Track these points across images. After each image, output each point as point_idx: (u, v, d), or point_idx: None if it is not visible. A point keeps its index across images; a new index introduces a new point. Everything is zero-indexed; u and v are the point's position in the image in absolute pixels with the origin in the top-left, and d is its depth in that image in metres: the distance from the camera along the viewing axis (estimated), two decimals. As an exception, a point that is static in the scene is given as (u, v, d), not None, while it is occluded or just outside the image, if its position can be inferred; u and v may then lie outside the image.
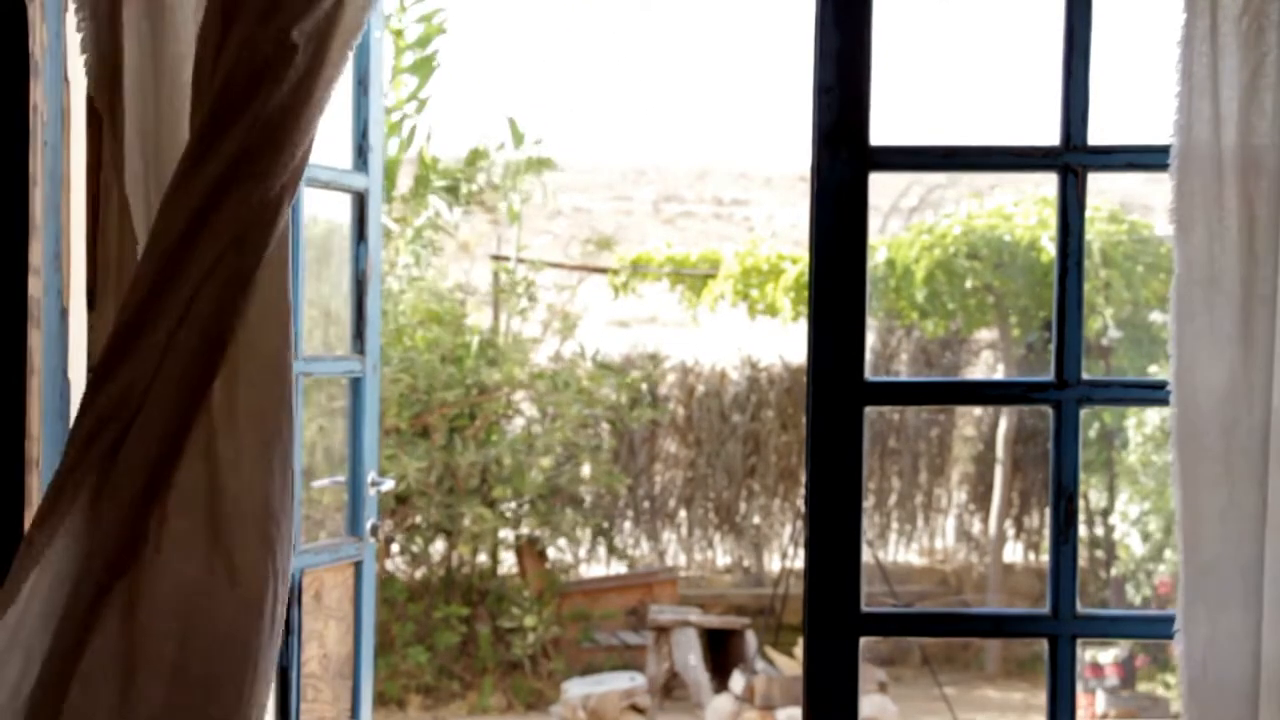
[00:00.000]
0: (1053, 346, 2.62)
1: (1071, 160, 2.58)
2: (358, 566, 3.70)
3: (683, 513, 11.97)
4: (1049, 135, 2.60)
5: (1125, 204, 10.54)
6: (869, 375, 2.60)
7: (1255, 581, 2.37)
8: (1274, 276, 2.38)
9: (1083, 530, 10.59)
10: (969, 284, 10.30)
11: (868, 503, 11.64)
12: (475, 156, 10.32)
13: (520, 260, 10.93)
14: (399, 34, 9.84)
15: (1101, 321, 10.14)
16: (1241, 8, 2.38)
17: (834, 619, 2.58)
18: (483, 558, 10.13)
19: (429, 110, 10.24)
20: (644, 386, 11.26)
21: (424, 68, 9.94)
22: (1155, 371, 9.42)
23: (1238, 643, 2.38)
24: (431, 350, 9.60)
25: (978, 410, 11.94)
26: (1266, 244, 2.39)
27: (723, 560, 12.06)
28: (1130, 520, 10.10)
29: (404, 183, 10.41)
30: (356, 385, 3.66)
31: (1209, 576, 2.39)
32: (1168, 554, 9.45)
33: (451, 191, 10.18)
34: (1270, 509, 2.36)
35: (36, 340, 2.42)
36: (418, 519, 9.70)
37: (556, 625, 9.87)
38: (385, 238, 9.84)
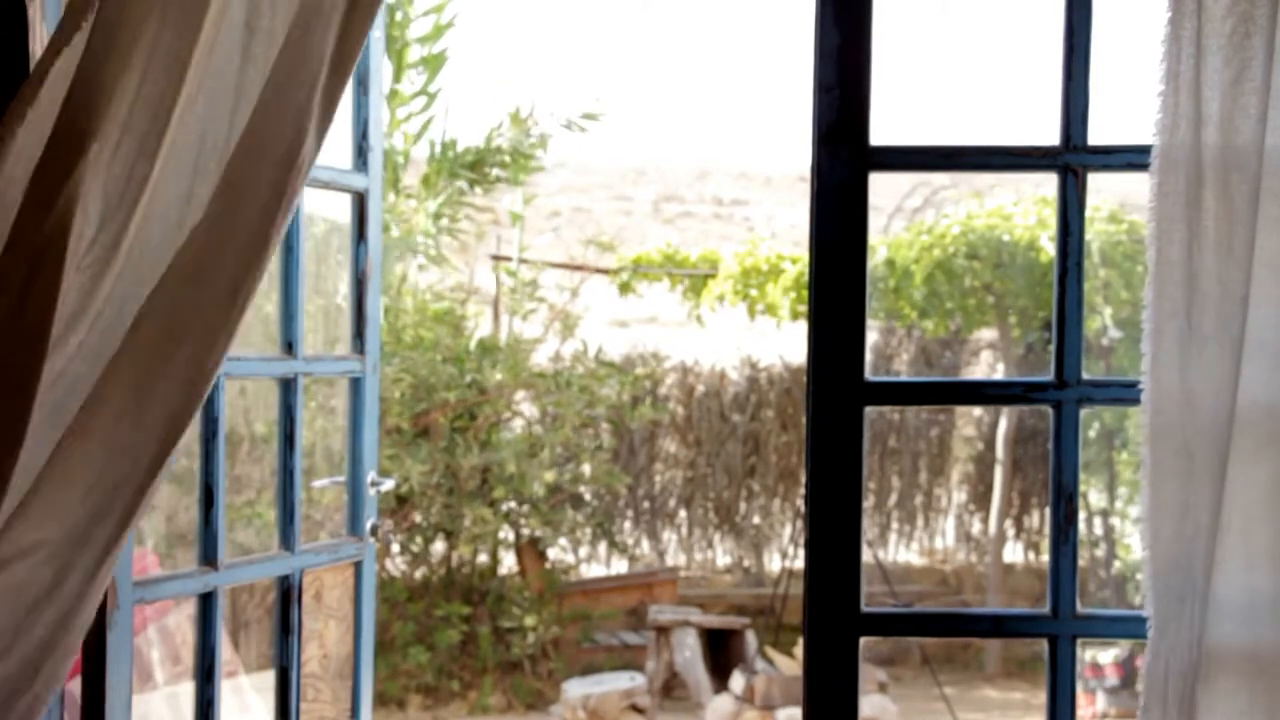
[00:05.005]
0: (1053, 346, 2.62)
1: (1071, 160, 2.58)
2: (358, 566, 3.70)
3: (683, 513, 11.98)
4: (1049, 135, 2.60)
5: (1125, 204, 10.54)
6: (869, 375, 2.60)
7: (1206, 577, 2.41)
8: (1249, 277, 2.40)
9: (1083, 530, 10.60)
10: (969, 284, 10.31)
11: (868, 503, 11.65)
12: (510, 133, 10.31)
13: (522, 261, 10.93)
14: (403, 32, 9.86)
15: (1101, 321, 10.14)
16: (1227, 10, 2.39)
17: (834, 619, 2.58)
18: (483, 557, 10.14)
19: (443, 104, 10.30)
20: (647, 384, 11.27)
21: (433, 63, 9.98)
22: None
23: (1191, 635, 2.42)
24: (433, 350, 9.60)
25: (978, 410, 11.94)
26: (1244, 245, 2.40)
27: (723, 560, 12.07)
28: (1130, 520, 10.10)
29: (411, 181, 10.43)
30: (356, 385, 3.66)
31: (1171, 573, 2.42)
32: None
33: (476, 168, 10.18)
34: (1227, 506, 2.39)
35: (36, 340, 2.42)
36: (418, 519, 9.70)
37: (556, 625, 9.87)
38: (406, 231, 9.87)
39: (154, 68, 2.29)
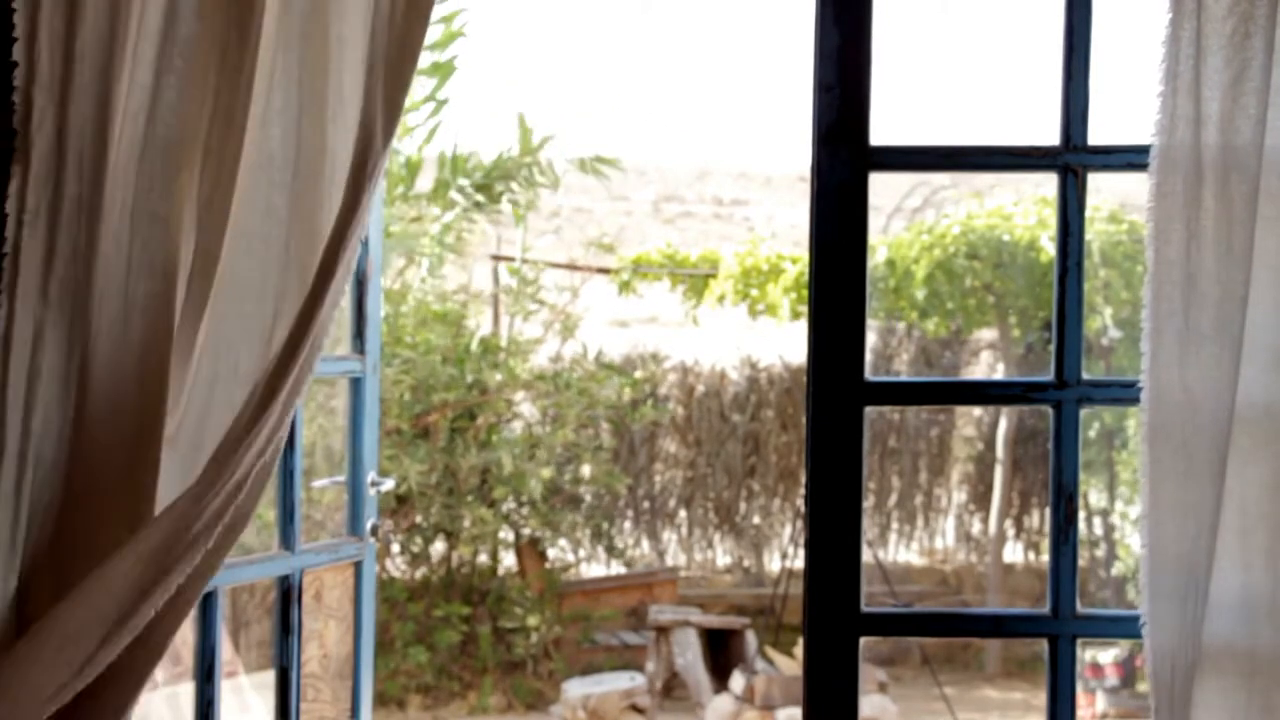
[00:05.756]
0: (1053, 346, 2.62)
1: (1071, 160, 2.58)
2: (358, 566, 3.70)
3: (683, 513, 11.98)
4: (1049, 135, 2.60)
5: (1125, 204, 10.54)
6: (869, 375, 2.59)
7: (1205, 575, 2.41)
8: (1249, 277, 2.40)
9: (1083, 530, 10.60)
10: (969, 284, 10.31)
11: (868, 503, 11.64)
12: (517, 159, 10.32)
13: (524, 260, 10.94)
14: None
15: (1101, 321, 10.14)
16: (1227, 10, 2.39)
17: (834, 619, 2.58)
18: (483, 558, 10.13)
19: (451, 108, 10.32)
20: (646, 387, 11.27)
21: (443, 70, 10.00)
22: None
23: (1193, 632, 2.42)
24: (432, 351, 9.60)
25: (978, 410, 11.94)
26: (1243, 245, 2.40)
27: (723, 560, 12.07)
28: (1130, 520, 10.10)
29: (422, 183, 10.44)
30: (356, 385, 3.66)
31: (1172, 572, 2.42)
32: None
33: (485, 190, 10.20)
34: (1225, 505, 2.39)
35: (35, 340, 2.42)
36: (418, 519, 9.70)
37: (557, 625, 9.87)
38: (409, 238, 9.89)
39: (224, 83, 2.34)
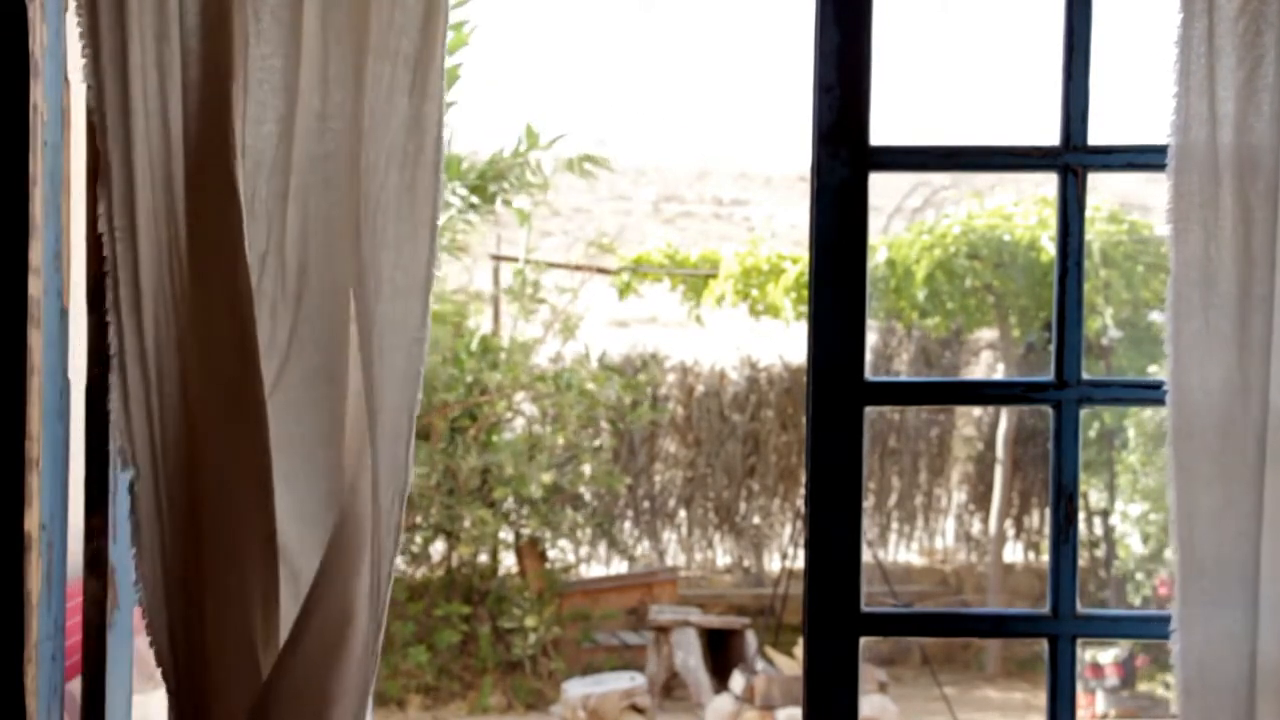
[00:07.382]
0: (1053, 346, 2.61)
1: (1071, 160, 2.57)
2: (358, 566, 3.70)
3: (683, 513, 11.98)
4: (1049, 135, 2.60)
5: (1125, 204, 10.55)
6: (869, 375, 2.59)
7: (1251, 581, 2.38)
8: (1271, 277, 2.38)
9: (1083, 530, 10.60)
10: (969, 284, 10.32)
11: (868, 503, 11.64)
12: (509, 160, 10.32)
13: (527, 261, 10.94)
14: None
15: (1101, 321, 10.14)
16: (1239, 9, 2.38)
17: (834, 619, 2.58)
18: (483, 558, 10.14)
19: (452, 113, 10.32)
20: (645, 387, 11.28)
21: (449, 75, 10.01)
22: (1155, 371, 9.44)
23: (1233, 643, 2.38)
24: (432, 351, 9.61)
25: (978, 410, 11.95)
26: (1263, 244, 2.38)
27: (723, 560, 12.07)
28: (1130, 520, 10.11)
29: None
30: (356, 385, 3.66)
31: (1204, 576, 2.39)
32: (1168, 554, 9.44)
33: (479, 191, 10.20)
34: (1267, 508, 2.36)
35: (36, 340, 2.42)
36: (418, 519, 9.71)
37: (557, 625, 9.88)
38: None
39: (253, 83, 2.35)
